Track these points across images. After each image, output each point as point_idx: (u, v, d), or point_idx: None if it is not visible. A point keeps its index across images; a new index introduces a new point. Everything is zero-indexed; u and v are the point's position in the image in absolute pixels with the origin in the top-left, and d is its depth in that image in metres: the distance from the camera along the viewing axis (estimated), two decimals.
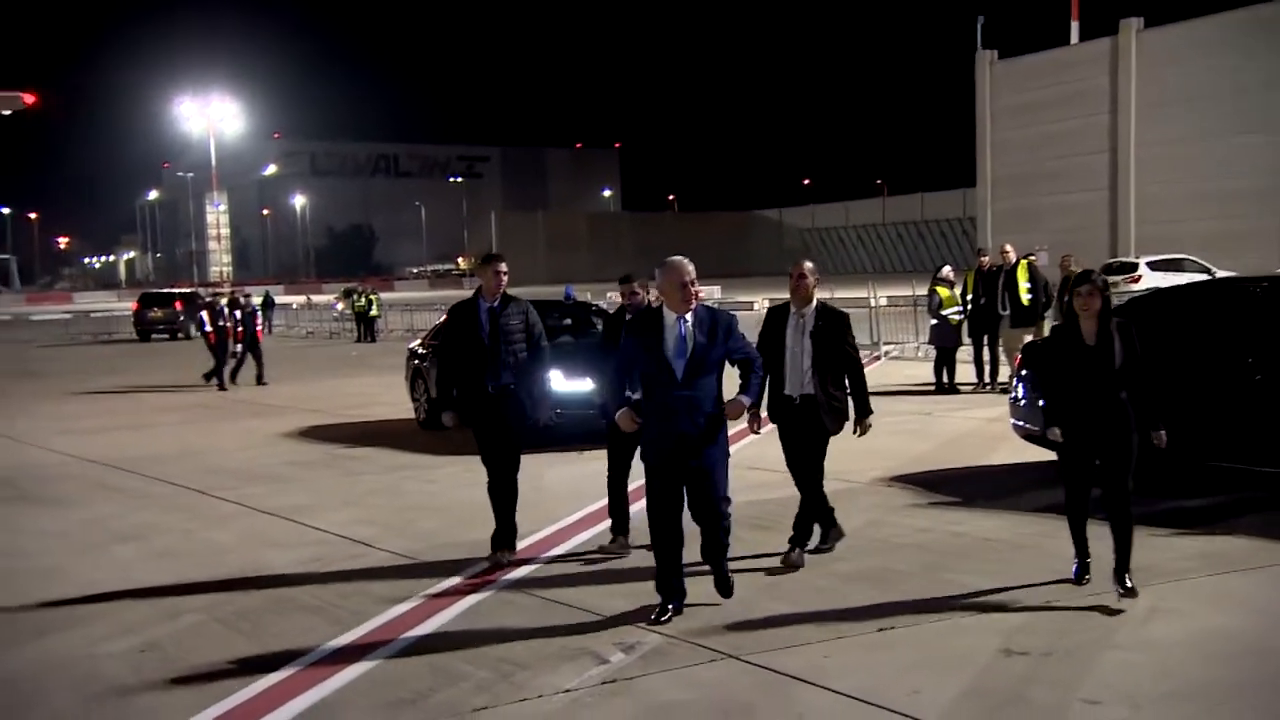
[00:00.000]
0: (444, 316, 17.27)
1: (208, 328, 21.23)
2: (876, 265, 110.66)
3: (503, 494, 7.62)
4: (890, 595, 6.53)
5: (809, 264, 7.56)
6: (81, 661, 5.89)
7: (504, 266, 7.95)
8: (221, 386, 20.83)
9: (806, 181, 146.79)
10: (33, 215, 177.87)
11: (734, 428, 6.74)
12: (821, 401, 7.22)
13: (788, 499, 9.24)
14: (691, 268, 6.27)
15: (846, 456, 11.00)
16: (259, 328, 23.47)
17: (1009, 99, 52.43)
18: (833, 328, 7.33)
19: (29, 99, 36.55)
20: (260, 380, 21.61)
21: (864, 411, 7.42)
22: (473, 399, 7.76)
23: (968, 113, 55.24)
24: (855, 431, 7.43)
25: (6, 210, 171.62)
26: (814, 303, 7.45)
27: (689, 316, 6.23)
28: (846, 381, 7.39)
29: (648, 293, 8.20)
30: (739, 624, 6.10)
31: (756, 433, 7.52)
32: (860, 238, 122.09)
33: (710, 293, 34.32)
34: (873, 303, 23.09)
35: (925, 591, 6.59)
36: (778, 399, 7.38)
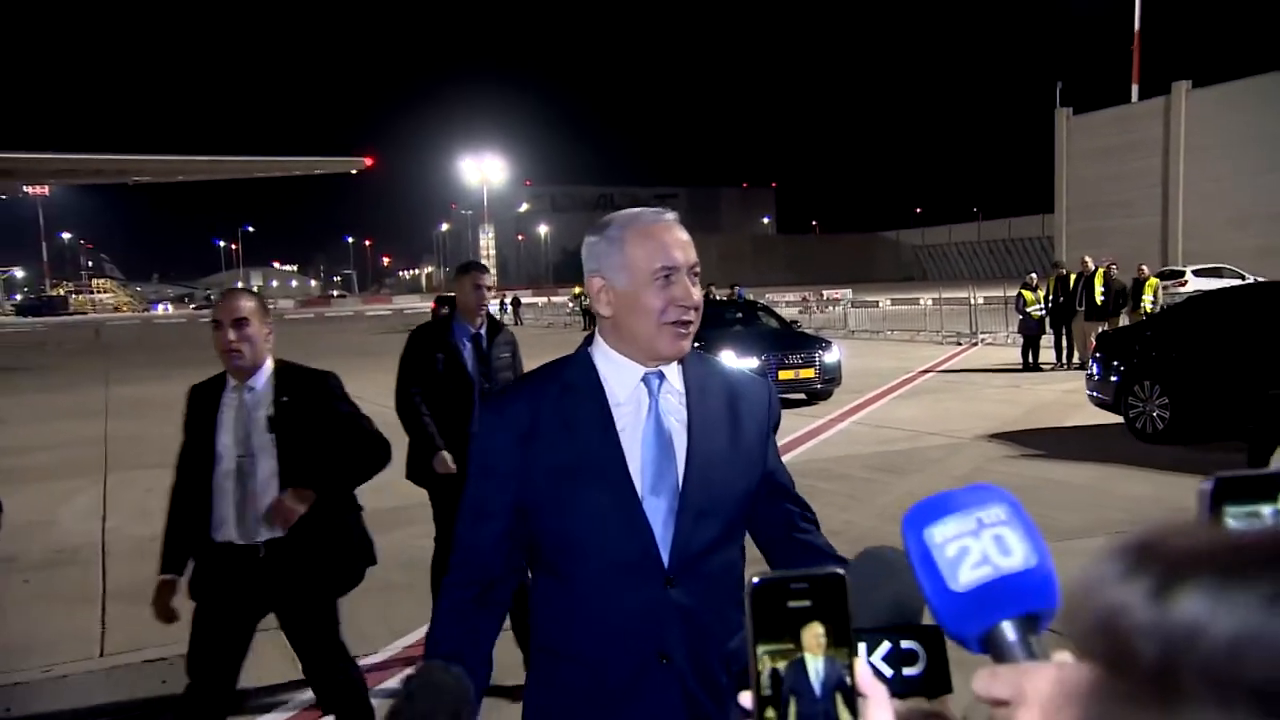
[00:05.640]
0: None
1: None
2: (973, 274, 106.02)
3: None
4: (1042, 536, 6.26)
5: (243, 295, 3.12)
6: (406, 551, 6.17)
7: (488, 280, 4.39)
8: None
9: (918, 210, 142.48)
10: (368, 242, 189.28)
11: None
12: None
13: (915, 450, 9.03)
14: (675, 238, 1.56)
15: (952, 419, 10.67)
16: None
17: (1081, 144, 50.05)
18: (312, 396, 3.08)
19: (368, 161, 38.12)
20: None
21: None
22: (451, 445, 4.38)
23: (1048, 155, 52.61)
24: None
25: (350, 239, 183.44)
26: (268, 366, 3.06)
27: (673, 372, 1.61)
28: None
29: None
30: (855, 546, 5.92)
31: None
32: (960, 252, 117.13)
33: (844, 295, 33.39)
34: (972, 301, 22.22)
35: None
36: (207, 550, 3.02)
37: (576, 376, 1.60)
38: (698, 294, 1.57)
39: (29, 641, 4.57)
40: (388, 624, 4.77)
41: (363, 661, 4.37)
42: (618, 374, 1.60)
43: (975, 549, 0.60)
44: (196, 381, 3.18)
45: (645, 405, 1.58)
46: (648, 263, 1.54)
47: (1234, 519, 0.67)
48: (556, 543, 1.56)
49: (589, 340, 1.66)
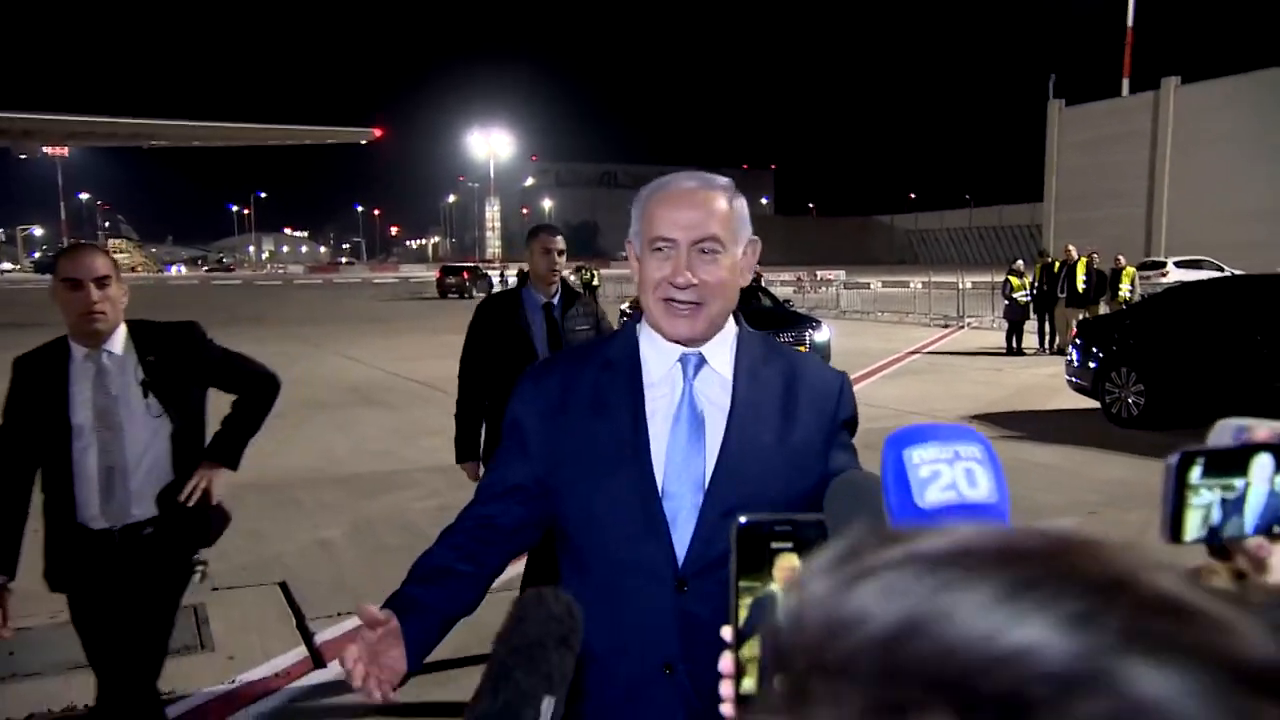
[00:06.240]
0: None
1: None
2: (963, 259, 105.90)
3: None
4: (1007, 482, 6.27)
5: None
6: (403, 513, 6.19)
7: (559, 243, 3.75)
8: None
9: (912, 195, 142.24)
10: (376, 211, 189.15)
11: None
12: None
13: (896, 428, 8.98)
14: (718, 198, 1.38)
15: (937, 399, 10.67)
16: None
17: (1072, 136, 49.84)
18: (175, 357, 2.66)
19: (378, 132, 37.71)
20: None
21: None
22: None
23: (1039, 145, 52.36)
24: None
25: (360, 208, 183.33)
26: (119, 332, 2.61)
27: (720, 354, 1.43)
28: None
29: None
30: None
31: None
32: (951, 238, 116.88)
33: (837, 276, 33.27)
34: (960, 286, 22.17)
35: None
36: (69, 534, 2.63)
37: (617, 352, 1.45)
38: (702, 272, 1.36)
39: (35, 589, 4.60)
40: (381, 583, 4.77)
41: (356, 619, 4.39)
42: (656, 352, 1.43)
43: (947, 475, 0.63)
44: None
45: (679, 388, 1.40)
46: (648, 231, 1.39)
47: (1206, 490, 0.67)
48: (575, 530, 1.40)
49: (638, 315, 1.49)
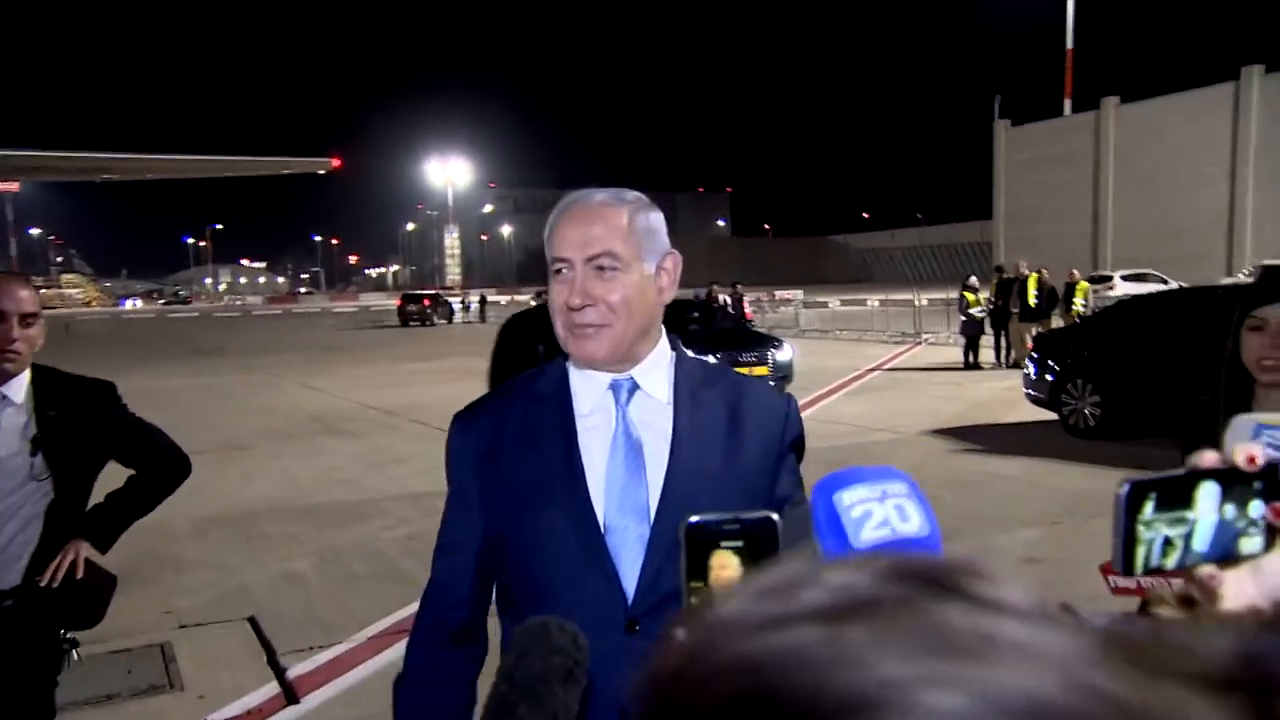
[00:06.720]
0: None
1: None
2: (916, 277, 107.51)
3: None
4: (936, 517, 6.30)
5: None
6: (371, 543, 6.08)
7: None
8: None
9: (865, 215, 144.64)
10: (335, 241, 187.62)
11: None
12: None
13: (862, 445, 9.08)
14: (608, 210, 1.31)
15: (898, 415, 10.77)
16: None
17: (1017, 155, 51.03)
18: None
19: (336, 162, 37.39)
20: None
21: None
22: None
23: (987, 165, 53.53)
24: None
25: (318, 238, 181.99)
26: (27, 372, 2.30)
27: (656, 378, 1.35)
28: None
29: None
30: None
31: None
32: (904, 256, 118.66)
33: (795, 295, 33.49)
34: (916, 303, 22.47)
35: (962, 514, 6.30)
36: None
37: (545, 386, 1.36)
38: (599, 290, 1.27)
39: None
40: (352, 614, 4.68)
41: (329, 652, 4.28)
42: (585, 382, 1.34)
43: (878, 513, 0.65)
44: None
45: (613, 415, 1.32)
46: (550, 252, 1.31)
47: (1157, 522, 0.67)
48: (520, 581, 1.31)
49: None
